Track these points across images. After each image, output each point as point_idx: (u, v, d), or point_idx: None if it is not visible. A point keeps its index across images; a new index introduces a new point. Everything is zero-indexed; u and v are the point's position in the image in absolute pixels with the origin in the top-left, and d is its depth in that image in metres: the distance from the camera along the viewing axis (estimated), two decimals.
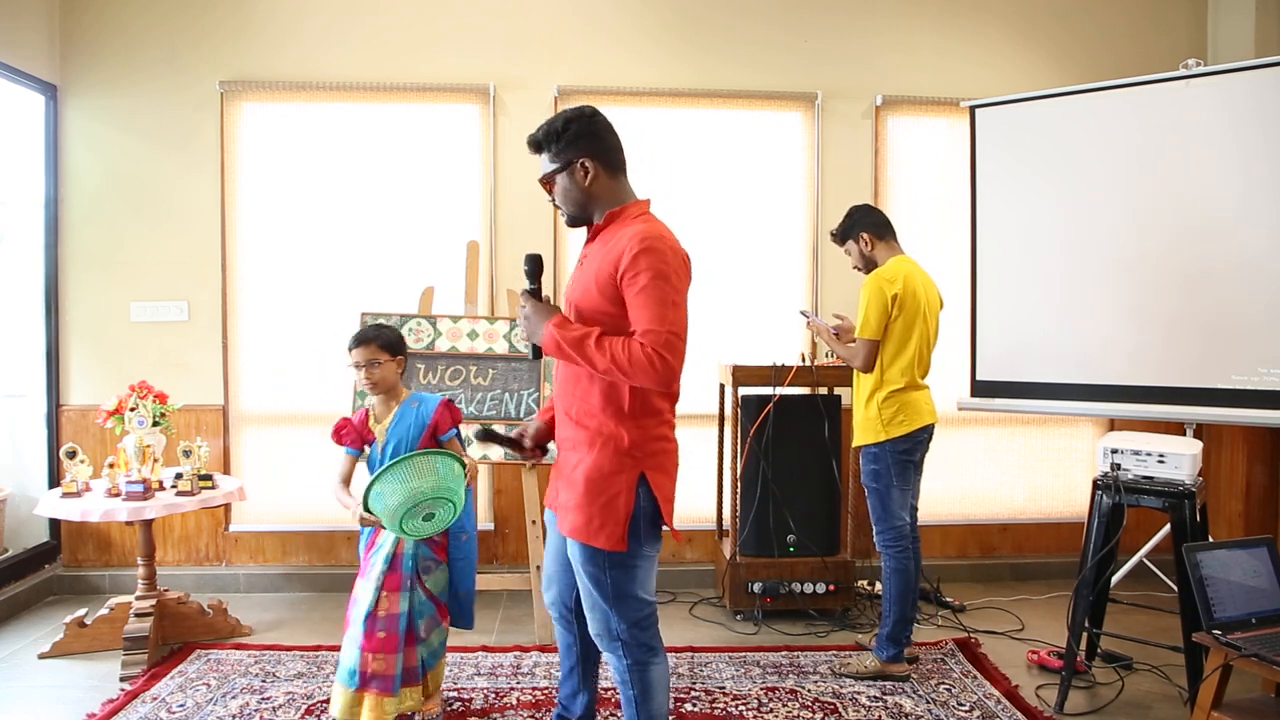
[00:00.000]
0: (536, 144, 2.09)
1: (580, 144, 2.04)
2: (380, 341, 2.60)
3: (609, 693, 2.89)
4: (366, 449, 2.66)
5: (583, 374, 2.03)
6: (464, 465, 2.47)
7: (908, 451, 3.10)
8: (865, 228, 3.24)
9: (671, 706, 2.87)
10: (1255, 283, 3.34)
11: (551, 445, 2.26)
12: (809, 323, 3.50)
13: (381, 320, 3.63)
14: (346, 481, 2.68)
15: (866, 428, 3.12)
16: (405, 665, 2.55)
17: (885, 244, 3.23)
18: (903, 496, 3.11)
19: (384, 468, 2.41)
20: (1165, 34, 4.40)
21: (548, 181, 2.09)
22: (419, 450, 2.53)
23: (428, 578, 2.63)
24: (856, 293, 3.24)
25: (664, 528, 2.09)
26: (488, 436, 2.22)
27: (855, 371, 3.19)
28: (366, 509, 2.42)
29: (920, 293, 3.12)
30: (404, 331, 3.48)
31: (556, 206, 2.14)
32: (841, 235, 3.31)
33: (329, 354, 4.10)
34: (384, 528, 2.48)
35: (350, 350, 2.62)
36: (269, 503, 4.17)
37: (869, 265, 3.24)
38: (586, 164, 2.04)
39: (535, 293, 2.10)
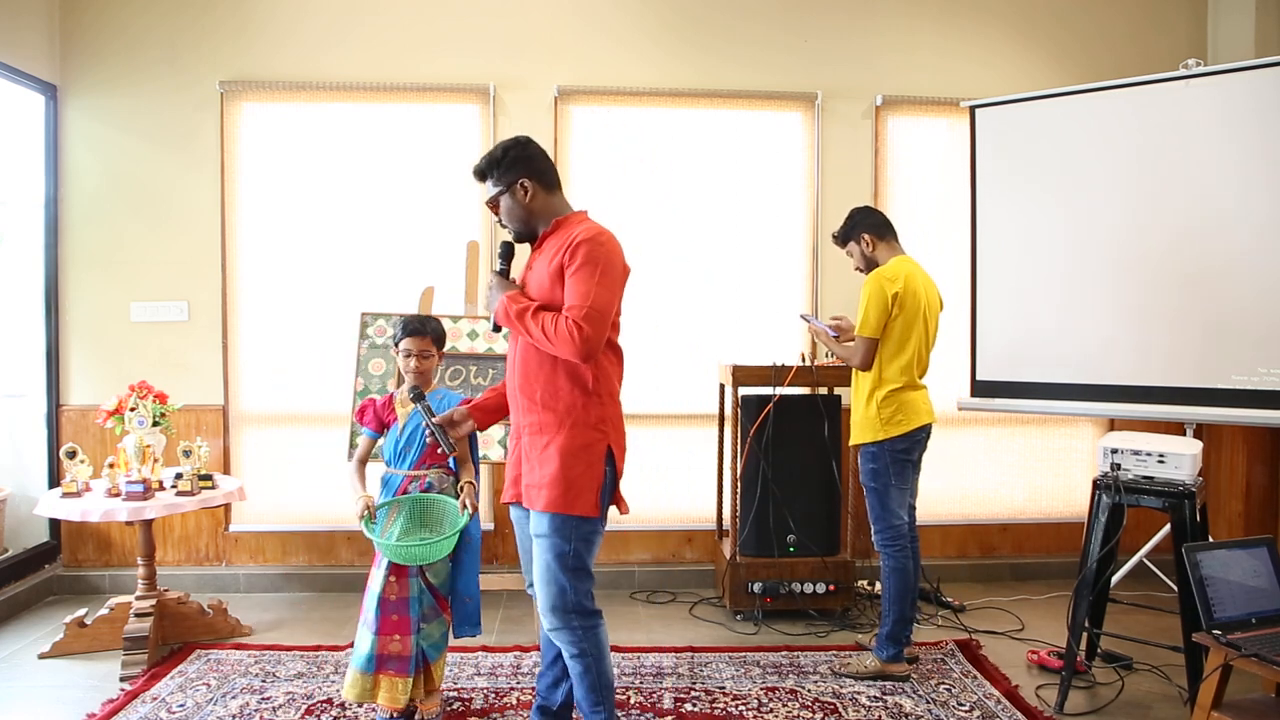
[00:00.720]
0: (481, 173, 2.34)
1: (518, 168, 2.29)
2: (433, 336, 2.70)
3: None
4: (386, 431, 2.73)
5: (545, 358, 2.23)
6: (463, 511, 2.62)
7: (906, 451, 3.10)
8: (866, 229, 3.25)
9: (672, 705, 2.87)
10: (1255, 283, 3.34)
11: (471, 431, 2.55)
12: (809, 326, 3.51)
13: (383, 319, 3.64)
14: (363, 462, 2.76)
15: (865, 426, 3.13)
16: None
17: (886, 244, 3.24)
18: (901, 496, 3.12)
19: (400, 501, 2.61)
20: (1165, 34, 4.40)
21: (494, 203, 2.34)
22: (435, 495, 2.64)
23: (429, 569, 2.66)
24: (856, 293, 3.24)
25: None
26: (418, 398, 2.53)
27: (854, 370, 3.20)
28: (367, 519, 2.56)
29: (921, 293, 3.12)
30: None
31: (503, 226, 2.37)
32: (843, 237, 3.32)
33: (329, 354, 4.10)
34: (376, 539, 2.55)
35: (402, 338, 2.66)
36: (269, 503, 4.17)
37: (870, 266, 3.24)
38: (525, 184, 2.29)
39: (504, 273, 2.39)
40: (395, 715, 2.63)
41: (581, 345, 2.11)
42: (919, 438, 3.13)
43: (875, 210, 3.32)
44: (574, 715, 2.66)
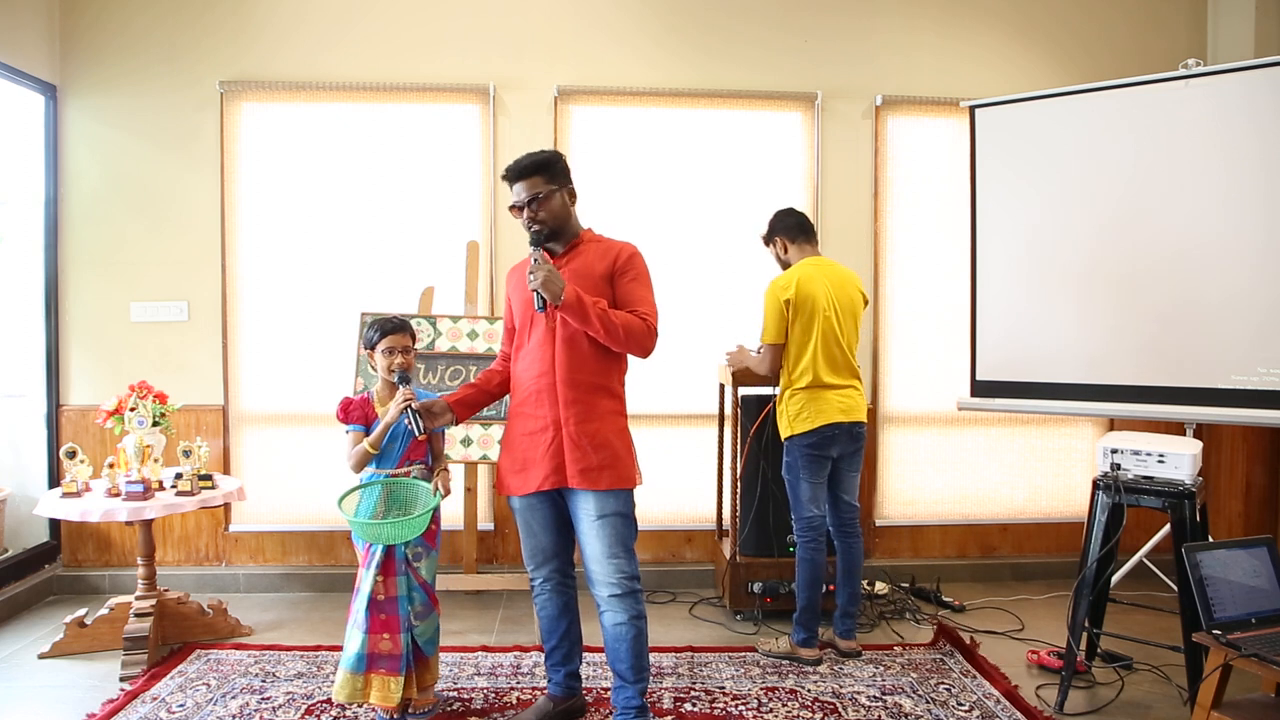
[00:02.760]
0: (533, 167, 2.49)
1: (566, 175, 2.57)
2: (409, 331, 2.75)
3: (605, 691, 2.88)
4: (370, 428, 2.74)
5: (596, 352, 2.47)
6: (435, 492, 2.66)
7: (815, 446, 3.19)
8: (780, 232, 3.36)
9: (672, 705, 2.88)
10: (1255, 283, 3.34)
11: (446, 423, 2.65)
12: (730, 356, 3.60)
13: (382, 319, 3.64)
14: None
15: (779, 423, 3.27)
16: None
17: (798, 247, 3.33)
18: (812, 490, 3.22)
19: (376, 482, 2.66)
20: (1165, 34, 4.40)
21: (541, 200, 2.48)
22: (410, 479, 2.68)
23: (418, 564, 2.69)
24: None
25: None
26: (404, 380, 2.60)
27: None
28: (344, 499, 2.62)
29: (821, 293, 3.18)
30: None
31: (539, 223, 2.50)
32: (765, 239, 3.43)
33: (329, 354, 4.10)
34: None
35: (382, 338, 2.68)
36: (269, 503, 4.17)
37: (785, 268, 3.35)
38: (572, 189, 2.58)
39: (545, 258, 2.47)
40: (393, 714, 2.65)
41: (652, 341, 2.48)
42: (829, 434, 3.18)
43: (793, 213, 3.38)
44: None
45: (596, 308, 2.40)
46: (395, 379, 2.63)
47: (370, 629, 2.58)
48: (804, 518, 3.22)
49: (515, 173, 2.50)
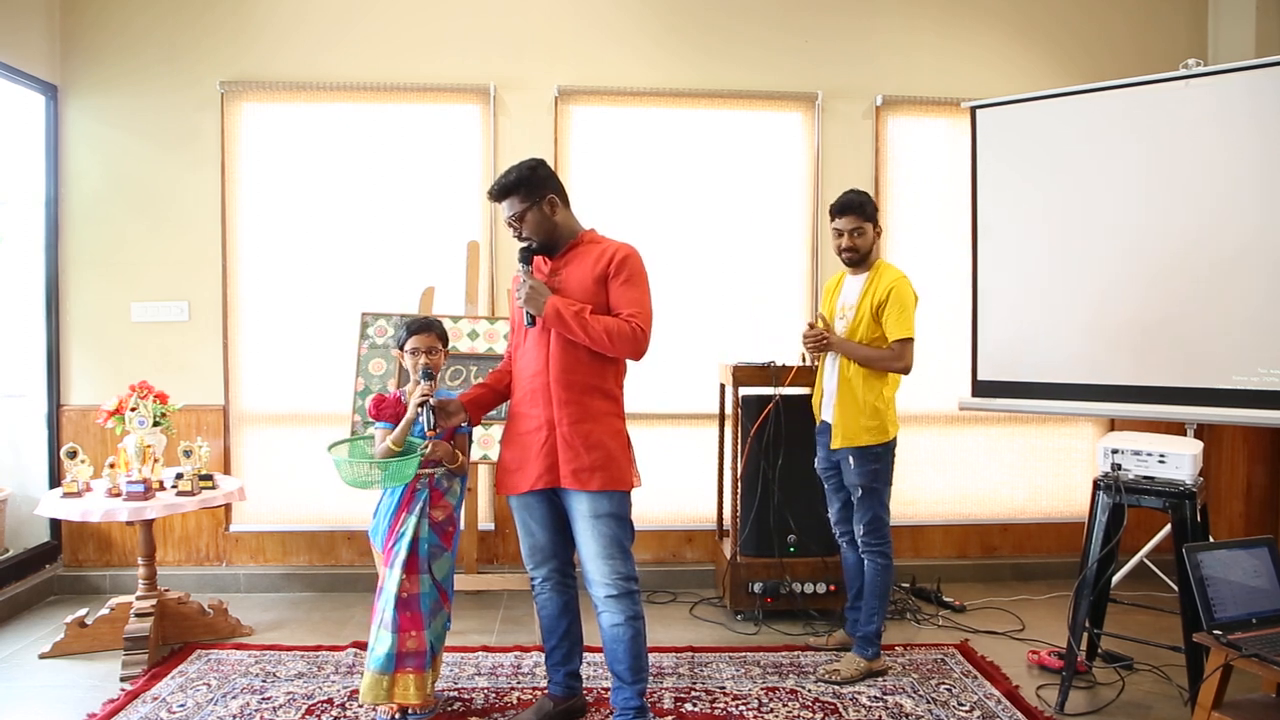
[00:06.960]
0: (505, 190, 2.50)
1: (547, 184, 2.53)
2: (438, 331, 2.75)
3: (606, 691, 2.88)
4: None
5: (587, 352, 2.47)
6: (418, 459, 2.63)
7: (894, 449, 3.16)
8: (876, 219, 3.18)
9: (672, 705, 2.88)
10: (1255, 283, 3.34)
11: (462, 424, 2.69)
12: (828, 341, 3.17)
13: (383, 319, 3.64)
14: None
15: (874, 428, 3.05)
16: None
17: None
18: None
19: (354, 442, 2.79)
20: (1165, 34, 4.40)
21: (519, 218, 2.51)
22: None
23: (434, 564, 2.70)
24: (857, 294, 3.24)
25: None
26: (429, 376, 2.62)
27: (859, 373, 3.08)
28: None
29: None
30: None
31: (525, 239, 2.54)
32: (869, 213, 3.11)
33: (329, 354, 4.10)
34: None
35: (409, 337, 2.69)
36: (269, 503, 4.17)
37: (864, 254, 3.13)
38: (554, 199, 2.53)
39: (530, 274, 2.53)
40: (394, 714, 2.65)
41: (643, 343, 2.46)
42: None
43: None
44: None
45: (578, 317, 2.42)
46: (420, 375, 2.64)
47: (399, 628, 2.60)
48: (888, 524, 3.11)
49: (494, 194, 2.54)
